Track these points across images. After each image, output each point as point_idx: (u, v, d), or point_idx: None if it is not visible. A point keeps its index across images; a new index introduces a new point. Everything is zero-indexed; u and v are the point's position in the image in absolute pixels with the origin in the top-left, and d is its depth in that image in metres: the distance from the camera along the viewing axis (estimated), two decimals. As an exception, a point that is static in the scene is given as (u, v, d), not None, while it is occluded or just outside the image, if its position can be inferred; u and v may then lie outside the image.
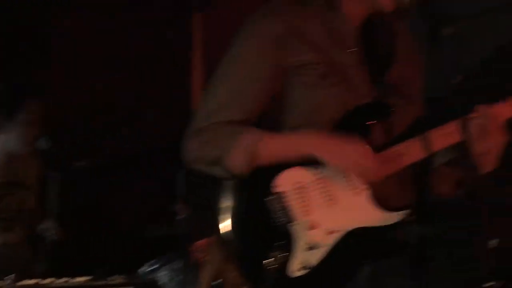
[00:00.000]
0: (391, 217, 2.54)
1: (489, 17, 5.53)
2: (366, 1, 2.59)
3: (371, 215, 2.54)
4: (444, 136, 2.54)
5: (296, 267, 2.48)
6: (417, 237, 2.53)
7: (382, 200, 2.56)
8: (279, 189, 2.52)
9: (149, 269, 4.23)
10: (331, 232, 2.51)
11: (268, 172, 2.53)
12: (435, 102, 2.55)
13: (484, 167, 2.56)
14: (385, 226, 2.54)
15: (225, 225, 2.53)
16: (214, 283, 3.55)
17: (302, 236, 2.50)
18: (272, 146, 2.52)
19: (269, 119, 2.62)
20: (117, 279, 3.61)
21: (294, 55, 2.55)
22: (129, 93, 5.38)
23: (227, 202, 2.54)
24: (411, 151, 2.54)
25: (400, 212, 2.55)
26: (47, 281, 3.54)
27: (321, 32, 2.57)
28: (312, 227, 2.51)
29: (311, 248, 2.50)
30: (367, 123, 2.56)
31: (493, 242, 3.48)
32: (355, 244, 2.52)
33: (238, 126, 2.55)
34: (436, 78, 2.69)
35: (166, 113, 5.32)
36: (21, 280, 3.47)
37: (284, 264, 2.48)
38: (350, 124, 2.55)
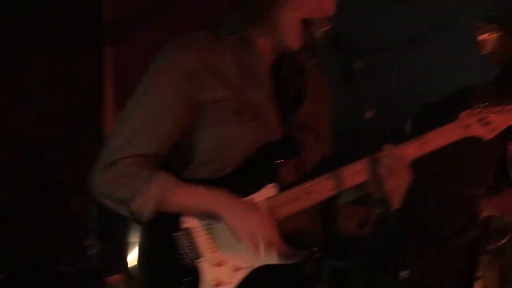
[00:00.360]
0: (298, 254, 2.55)
1: (397, 50, 5.67)
2: (276, 40, 2.60)
3: (279, 252, 2.54)
4: (353, 175, 2.58)
5: None
6: (330, 271, 2.55)
7: (290, 237, 2.57)
8: (186, 224, 2.52)
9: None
10: (238, 269, 2.51)
11: None
12: (345, 138, 2.58)
13: (390, 206, 2.60)
14: (294, 263, 2.55)
15: (133, 260, 2.50)
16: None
17: (209, 273, 2.49)
18: (180, 198, 2.52)
19: (180, 153, 2.60)
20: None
21: (206, 91, 2.54)
22: (38, 125, 5.28)
23: (135, 237, 2.51)
24: (320, 189, 2.57)
25: (308, 249, 2.57)
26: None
27: (234, 68, 2.58)
28: (219, 264, 2.51)
29: (217, 285, 2.50)
30: (276, 161, 2.57)
31: (404, 274, 3.53)
32: (262, 281, 2.53)
33: (147, 167, 2.53)
34: (348, 112, 2.74)
35: (76, 145, 5.24)
36: None
37: None
38: (259, 163, 2.57)
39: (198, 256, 2.50)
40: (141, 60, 2.69)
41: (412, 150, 2.63)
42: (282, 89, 2.66)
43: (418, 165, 3.42)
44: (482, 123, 2.70)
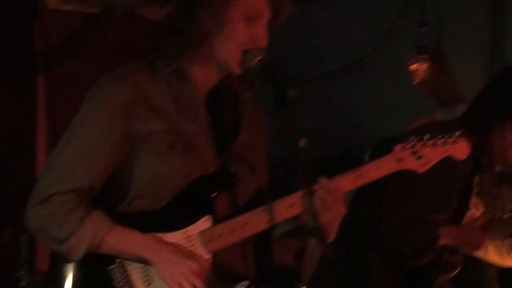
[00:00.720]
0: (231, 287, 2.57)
1: (329, 80, 5.74)
2: (214, 67, 2.60)
3: (211, 285, 2.53)
4: (288, 207, 2.57)
5: None
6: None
7: (225, 270, 2.57)
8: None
9: None
10: None
11: None
12: (281, 166, 2.59)
13: (325, 238, 2.62)
14: None
15: None
16: None
17: None
18: (113, 241, 2.49)
19: (116, 185, 2.57)
20: None
21: (141, 124, 2.52)
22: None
23: (68, 269, 2.50)
24: (255, 221, 2.56)
25: (242, 282, 2.57)
26: None
27: (169, 100, 2.56)
28: None
29: None
30: (211, 194, 2.57)
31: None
32: None
33: (81, 205, 2.50)
34: (283, 140, 2.75)
35: (8, 178, 5.15)
36: None
37: None
38: (194, 195, 2.56)
39: None
40: (73, 89, 2.67)
41: (347, 182, 2.63)
42: (219, 120, 2.66)
43: (383, 189, 3.49)
44: (415, 157, 2.72)
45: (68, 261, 2.50)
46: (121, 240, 2.50)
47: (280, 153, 2.78)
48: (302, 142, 2.45)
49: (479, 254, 3.95)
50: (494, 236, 3.81)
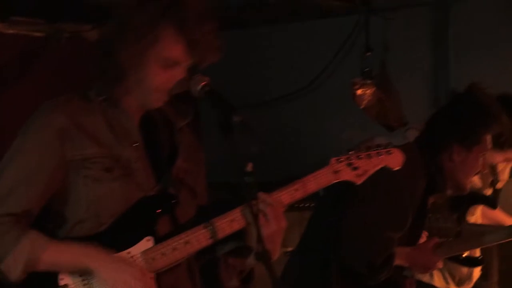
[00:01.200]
0: None
1: (275, 105, 5.77)
2: (139, 99, 2.62)
3: None
4: (229, 222, 2.60)
5: None
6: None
7: None
8: (63, 282, 2.50)
9: None
10: None
11: None
12: (225, 190, 2.60)
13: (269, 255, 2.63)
14: None
15: None
16: None
17: None
18: (52, 255, 2.49)
19: (54, 212, 2.57)
20: None
21: (77, 149, 2.54)
22: None
23: None
24: (197, 238, 2.57)
25: None
26: None
27: (104, 127, 2.59)
28: None
29: None
30: (151, 215, 2.58)
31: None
32: None
33: (17, 227, 2.49)
34: (229, 166, 2.76)
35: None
36: None
37: None
38: (135, 217, 2.56)
39: None
40: (18, 113, 2.66)
41: (286, 195, 2.67)
42: (154, 146, 2.68)
43: (342, 204, 3.52)
44: (351, 168, 2.78)
45: (8, 281, 2.48)
46: (60, 252, 2.50)
47: (226, 178, 2.79)
48: (249, 167, 2.47)
49: (425, 278, 4.00)
50: (445, 261, 3.87)
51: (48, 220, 2.57)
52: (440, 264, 3.76)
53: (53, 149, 2.53)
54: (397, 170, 3.26)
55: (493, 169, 4.37)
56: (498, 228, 4.16)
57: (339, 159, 2.76)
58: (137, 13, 2.48)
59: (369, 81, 5.46)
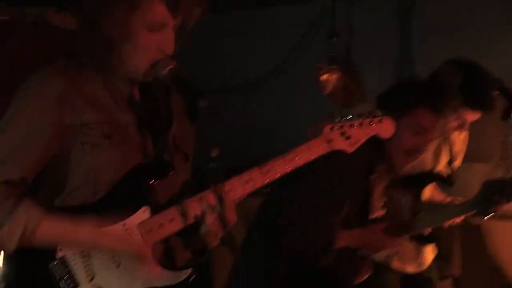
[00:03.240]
0: (175, 276, 2.56)
1: (242, 91, 5.78)
2: (136, 67, 2.59)
3: (156, 275, 2.54)
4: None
5: None
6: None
7: (168, 259, 2.60)
8: (61, 253, 2.48)
9: None
10: None
11: None
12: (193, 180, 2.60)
13: (211, 243, 2.66)
14: (172, 285, 2.55)
15: None
16: None
17: None
18: (50, 228, 2.46)
19: (51, 178, 2.55)
20: None
21: (76, 114, 2.51)
22: None
23: (6, 268, 2.48)
24: (194, 208, 2.56)
25: (184, 271, 2.57)
26: None
27: (103, 93, 2.57)
28: None
29: None
30: (148, 183, 2.56)
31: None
32: None
33: (13, 197, 2.45)
34: (195, 151, 2.77)
35: None
36: None
37: None
38: (131, 185, 2.55)
39: (76, 284, 2.47)
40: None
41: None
42: (152, 111, 2.67)
43: (286, 193, 3.52)
44: (344, 137, 2.76)
45: (4, 251, 2.47)
46: (57, 225, 2.47)
47: (192, 163, 2.79)
48: (214, 152, 2.48)
49: (381, 258, 4.03)
50: (398, 240, 3.90)
51: (44, 188, 2.55)
52: (396, 244, 3.80)
53: (52, 113, 2.48)
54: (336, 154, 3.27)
55: (451, 147, 4.39)
56: (450, 205, 4.18)
57: (333, 127, 2.74)
58: None
59: (334, 67, 5.48)
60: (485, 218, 3.70)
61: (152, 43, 2.52)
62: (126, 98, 2.61)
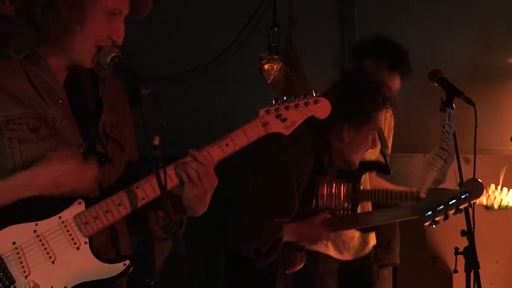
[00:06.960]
0: (113, 268, 2.55)
1: (182, 79, 5.76)
2: (68, 59, 2.59)
3: (93, 268, 2.52)
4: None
5: None
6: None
7: (104, 251, 2.58)
8: None
9: None
10: None
11: None
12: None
13: (195, 211, 2.65)
14: (111, 277, 2.54)
15: None
16: None
17: None
18: None
19: None
20: None
21: (0, 111, 2.48)
22: None
23: None
24: (129, 199, 2.55)
25: (121, 262, 2.56)
26: None
27: (27, 85, 2.54)
28: (34, 287, 2.46)
29: None
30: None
31: None
32: None
33: None
34: (136, 139, 2.76)
35: None
36: None
37: None
38: None
39: (12, 282, 2.45)
40: None
41: (217, 152, 2.64)
42: (80, 102, 2.63)
43: (231, 189, 3.53)
44: (280, 120, 2.73)
45: None
46: None
47: (140, 151, 2.78)
48: (156, 140, 2.47)
49: (320, 249, 4.08)
50: (337, 231, 3.95)
51: None
52: (330, 236, 3.83)
53: None
54: (284, 153, 3.29)
55: (381, 135, 4.43)
56: (387, 209, 4.19)
57: (268, 109, 2.72)
58: None
59: (275, 56, 5.49)
60: (429, 225, 3.73)
61: (104, 30, 2.52)
62: (51, 90, 2.58)
